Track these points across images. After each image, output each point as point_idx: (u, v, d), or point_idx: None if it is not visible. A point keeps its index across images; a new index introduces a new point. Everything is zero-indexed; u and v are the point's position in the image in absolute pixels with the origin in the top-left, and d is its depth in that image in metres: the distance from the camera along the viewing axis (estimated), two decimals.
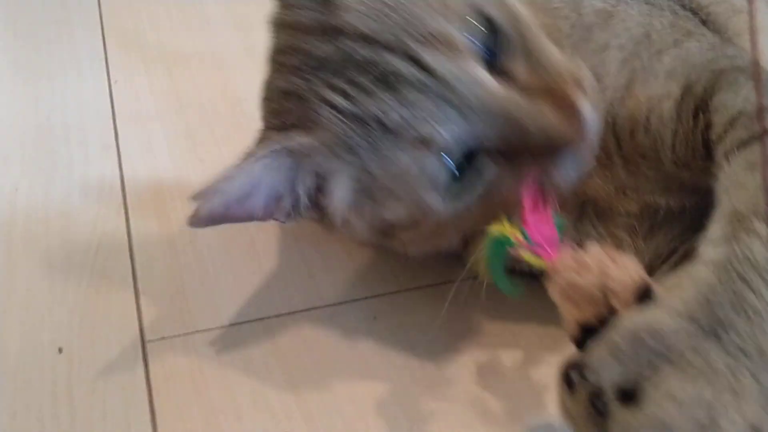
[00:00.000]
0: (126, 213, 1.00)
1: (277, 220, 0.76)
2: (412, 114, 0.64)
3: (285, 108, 0.72)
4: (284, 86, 0.71)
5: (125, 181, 1.05)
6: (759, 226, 0.61)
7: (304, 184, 0.72)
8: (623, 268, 0.63)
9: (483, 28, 0.68)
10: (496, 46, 0.69)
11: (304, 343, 0.83)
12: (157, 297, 0.88)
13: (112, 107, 1.20)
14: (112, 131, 1.14)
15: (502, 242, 0.69)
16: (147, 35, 1.39)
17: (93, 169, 1.08)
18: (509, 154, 0.68)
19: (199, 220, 0.70)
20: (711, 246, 0.63)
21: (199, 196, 0.69)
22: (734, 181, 0.66)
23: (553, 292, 0.64)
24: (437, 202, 0.70)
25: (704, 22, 0.89)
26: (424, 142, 0.65)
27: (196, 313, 0.86)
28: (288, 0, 0.73)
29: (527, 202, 0.68)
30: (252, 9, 1.23)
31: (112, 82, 1.25)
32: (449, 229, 0.75)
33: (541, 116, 0.66)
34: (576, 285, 0.62)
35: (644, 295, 0.61)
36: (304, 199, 0.73)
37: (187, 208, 0.70)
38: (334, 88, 0.67)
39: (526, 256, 0.68)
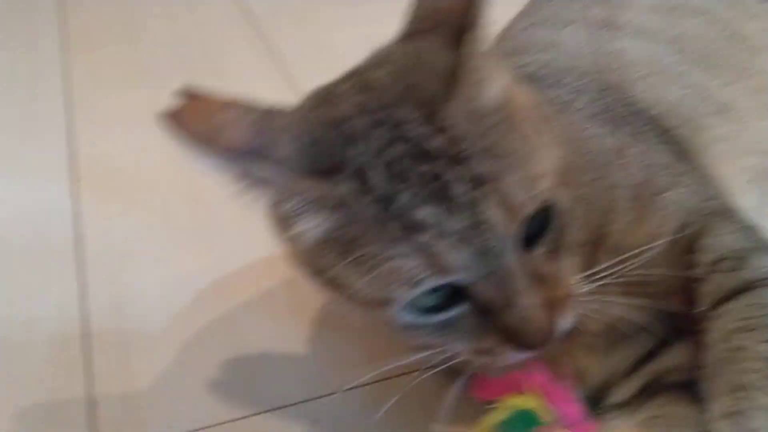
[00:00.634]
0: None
1: None
2: (439, 226, 0.63)
3: (324, 134, 0.67)
4: (343, 117, 0.67)
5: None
6: (764, 400, 0.69)
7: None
8: None
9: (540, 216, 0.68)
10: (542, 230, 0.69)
11: None
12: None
13: None
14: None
15: (530, 418, 0.72)
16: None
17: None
18: (483, 315, 0.69)
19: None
20: (723, 422, 0.70)
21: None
22: (732, 346, 0.73)
23: None
24: (401, 307, 0.69)
25: (674, 143, 0.97)
26: (434, 262, 0.64)
27: (150, 422, 0.92)
28: (415, 52, 0.69)
29: (544, 378, 0.72)
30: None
31: None
32: (383, 327, 0.76)
33: (531, 300, 0.67)
34: None
35: None
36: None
37: None
38: (387, 161, 0.64)
39: None
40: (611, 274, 0.82)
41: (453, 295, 0.69)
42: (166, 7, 1.92)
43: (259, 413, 0.93)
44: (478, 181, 0.63)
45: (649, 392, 0.85)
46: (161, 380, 0.98)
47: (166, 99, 0.68)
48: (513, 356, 0.71)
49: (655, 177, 0.86)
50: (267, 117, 0.69)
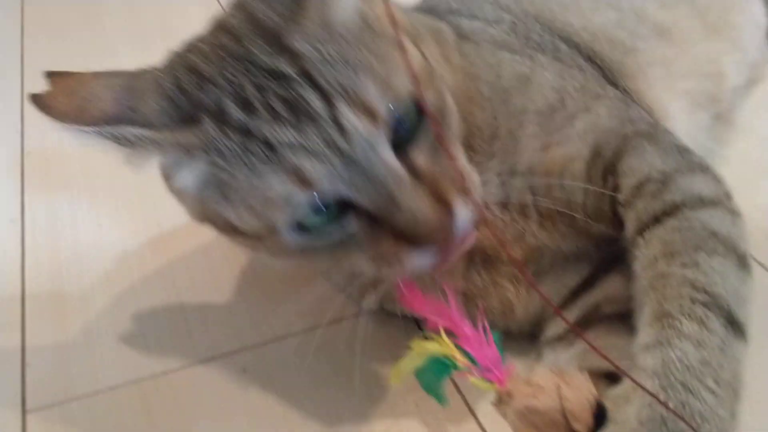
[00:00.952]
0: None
1: None
2: (299, 142, 0.65)
3: (183, 83, 0.68)
4: (199, 64, 0.69)
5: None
6: (688, 326, 0.66)
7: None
8: (577, 389, 0.67)
9: (411, 113, 0.69)
10: (413, 131, 0.69)
11: (176, 404, 0.87)
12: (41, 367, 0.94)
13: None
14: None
15: (446, 364, 0.70)
16: None
17: None
18: (375, 224, 0.69)
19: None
20: (648, 353, 0.67)
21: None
22: (656, 273, 0.70)
23: (511, 416, 0.67)
24: (286, 230, 0.69)
25: (601, 68, 0.95)
26: (300, 178, 0.66)
27: (77, 379, 0.91)
28: None
29: (457, 319, 0.70)
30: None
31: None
32: (289, 260, 0.76)
33: (415, 199, 0.66)
34: (536, 409, 0.66)
35: (600, 414, 0.66)
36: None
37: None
38: (240, 94, 0.66)
39: (475, 381, 0.70)
40: (527, 196, 0.80)
41: (341, 210, 0.68)
42: None
43: (192, 365, 0.92)
44: (329, 93, 0.64)
45: (583, 323, 0.82)
46: (92, 335, 0.97)
47: None
48: (421, 258, 0.69)
49: (567, 101, 0.83)
50: (133, 79, 0.70)
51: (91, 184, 1.24)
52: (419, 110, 0.68)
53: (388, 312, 0.92)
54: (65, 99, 0.68)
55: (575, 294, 0.85)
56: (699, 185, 0.77)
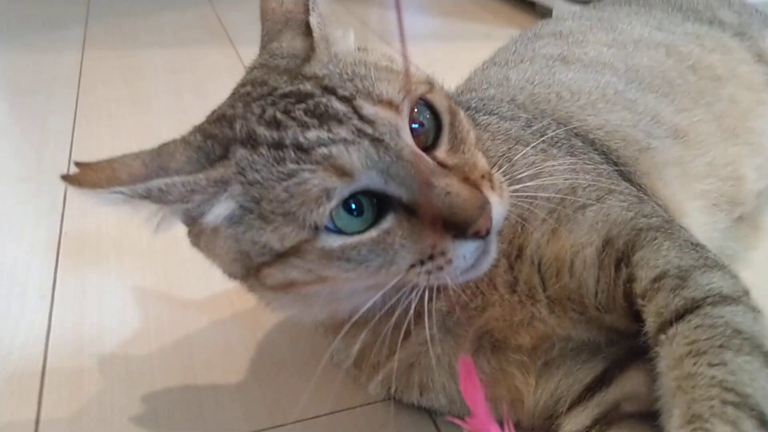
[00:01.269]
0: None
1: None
2: (329, 137, 0.69)
3: (210, 131, 0.75)
4: (226, 112, 0.75)
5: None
6: (721, 429, 0.64)
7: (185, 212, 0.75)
8: None
9: (427, 115, 0.75)
10: (435, 137, 0.75)
11: None
12: None
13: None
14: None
15: None
16: None
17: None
18: (414, 217, 0.71)
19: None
20: None
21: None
22: (683, 373, 0.69)
23: None
24: (326, 230, 0.70)
25: (616, 164, 0.97)
26: (335, 167, 0.69)
27: None
28: (274, 50, 0.80)
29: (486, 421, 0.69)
30: None
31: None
32: (332, 272, 0.74)
33: (448, 185, 0.70)
34: None
35: None
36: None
37: None
38: (268, 119, 0.71)
39: None
40: (535, 279, 0.81)
41: (379, 212, 0.72)
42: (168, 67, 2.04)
43: None
44: (349, 96, 0.71)
45: (604, 423, 0.80)
46: (106, 411, 0.98)
47: None
48: (464, 248, 0.71)
49: (579, 192, 0.84)
50: (159, 150, 0.75)
51: (121, 263, 1.28)
52: (435, 117, 0.75)
53: (403, 402, 0.92)
54: (96, 173, 0.72)
55: (590, 390, 0.83)
56: (718, 282, 0.76)
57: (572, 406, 0.83)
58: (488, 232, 0.72)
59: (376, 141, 0.70)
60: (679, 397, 0.68)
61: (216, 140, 0.74)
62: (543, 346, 0.84)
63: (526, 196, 0.82)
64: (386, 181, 0.70)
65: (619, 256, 0.80)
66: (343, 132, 0.70)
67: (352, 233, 0.71)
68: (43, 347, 1.09)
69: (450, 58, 2.11)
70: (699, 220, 1.01)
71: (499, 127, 0.91)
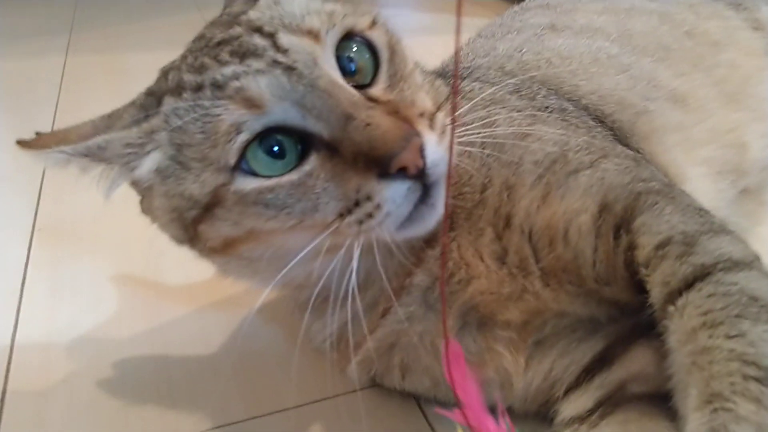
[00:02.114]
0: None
1: None
2: (243, 70, 0.66)
3: (152, 88, 0.74)
4: (167, 69, 0.74)
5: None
6: (745, 407, 0.57)
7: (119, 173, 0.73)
8: None
9: (365, 54, 0.71)
10: (372, 77, 0.71)
11: None
12: None
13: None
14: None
15: None
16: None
17: None
18: (336, 155, 0.65)
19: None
20: None
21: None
22: (697, 347, 0.62)
23: None
24: (241, 173, 0.66)
25: (611, 129, 0.91)
26: (247, 100, 0.65)
27: None
28: (224, 11, 0.78)
29: (480, 413, 0.63)
30: None
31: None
32: (254, 220, 0.69)
33: (370, 116, 0.64)
34: None
35: None
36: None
37: None
38: (196, 65, 0.69)
39: None
40: (526, 249, 0.75)
41: (302, 153, 0.67)
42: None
43: None
44: (271, 31, 0.68)
45: (609, 405, 0.73)
46: (74, 405, 0.91)
47: None
48: (392, 190, 0.64)
49: (570, 155, 0.77)
50: (111, 113, 0.75)
51: (96, 258, 1.22)
52: (374, 55, 0.71)
53: (388, 388, 0.86)
54: (48, 138, 0.72)
55: (589, 372, 0.76)
56: (727, 246, 0.69)
57: (569, 390, 0.77)
58: (420, 172, 0.63)
59: (288, 69, 0.65)
60: (695, 374, 0.61)
61: (154, 96, 0.72)
62: (534, 322, 0.77)
63: (510, 162, 0.76)
64: (303, 115, 0.65)
65: (617, 222, 0.73)
66: (257, 64, 0.66)
67: (270, 177, 0.66)
68: (8, 345, 1.03)
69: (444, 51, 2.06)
70: (703, 188, 0.94)
71: (482, 91, 0.84)
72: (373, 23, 0.72)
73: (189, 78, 0.69)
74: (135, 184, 0.74)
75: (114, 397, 0.93)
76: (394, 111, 0.65)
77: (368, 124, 0.63)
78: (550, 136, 0.79)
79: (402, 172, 0.63)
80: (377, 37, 0.71)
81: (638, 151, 0.90)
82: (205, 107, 0.66)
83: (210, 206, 0.68)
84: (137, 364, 0.98)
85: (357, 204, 0.65)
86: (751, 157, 1.05)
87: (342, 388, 0.88)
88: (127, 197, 0.76)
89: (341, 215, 0.65)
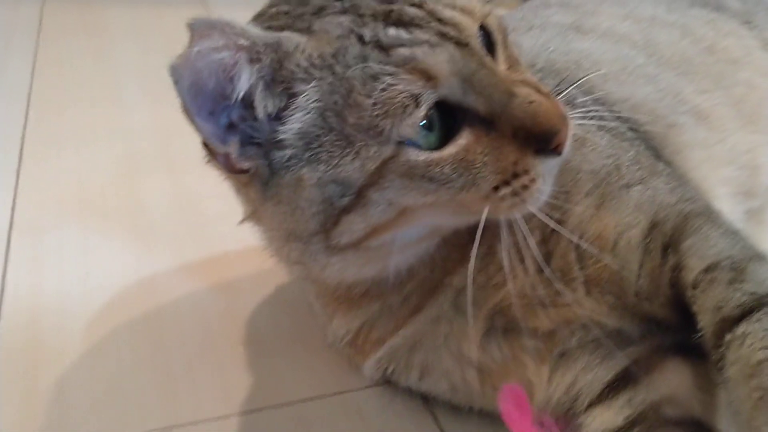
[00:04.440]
0: None
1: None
2: (410, 39, 0.63)
3: (281, 11, 0.67)
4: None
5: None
6: None
7: (272, 95, 0.65)
8: None
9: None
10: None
11: None
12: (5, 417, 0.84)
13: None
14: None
15: None
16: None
17: None
18: (492, 131, 0.64)
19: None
20: None
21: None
22: (762, 383, 0.62)
23: None
24: (404, 145, 0.63)
25: (644, 139, 0.90)
26: (418, 70, 0.62)
27: None
28: None
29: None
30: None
31: None
32: (414, 193, 0.65)
33: (529, 94, 0.64)
34: None
35: None
36: (260, 113, 0.65)
37: None
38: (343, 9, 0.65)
39: None
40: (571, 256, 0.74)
41: (447, 127, 0.64)
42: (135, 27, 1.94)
43: (174, 427, 0.82)
44: (420, 3, 0.65)
45: (644, 427, 0.72)
46: (66, 388, 0.87)
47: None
48: (543, 176, 0.65)
49: (623, 170, 0.77)
50: None
51: (83, 229, 1.16)
52: (487, 36, 0.69)
53: (397, 386, 0.84)
54: None
55: (613, 389, 0.76)
56: None
57: (592, 404, 0.76)
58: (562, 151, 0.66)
59: (460, 44, 0.64)
60: (763, 410, 0.61)
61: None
62: (561, 333, 0.76)
63: (570, 167, 0.75)
64: (465, 90, 0.64)
65: (666, 241, 0.73)
66: (424, 35, 0.63)
67: (431, 150, 0.64)
68: None
69: None
70: (724, 208, 0.94)
71: None
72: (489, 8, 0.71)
73: (347, 22, 0.64)
74: (255, 174, 0.67)
75: (108, 378, 0.89)
76: (538, 90, 0.66)
77: (531, 102, 0.64)
78: (602, 145, 0.79)
79: (554, 150, 0.65)
80: (491, 20, 0.70)
81: (670, 163, 0.89)
82: (372, 69, 0.62)
83: (363, 189, 0.64)
84: (132, 345, 0.94)
85: (515, 176, 0.65)
86: (762, 180, 1.06)
87: (349, 385, 0.86)
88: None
89: (496, 188, 0.65)
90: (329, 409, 0.84)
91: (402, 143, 0.63)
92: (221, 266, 1.06)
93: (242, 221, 0.74)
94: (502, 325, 0.76)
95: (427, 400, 0.84)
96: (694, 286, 0.69)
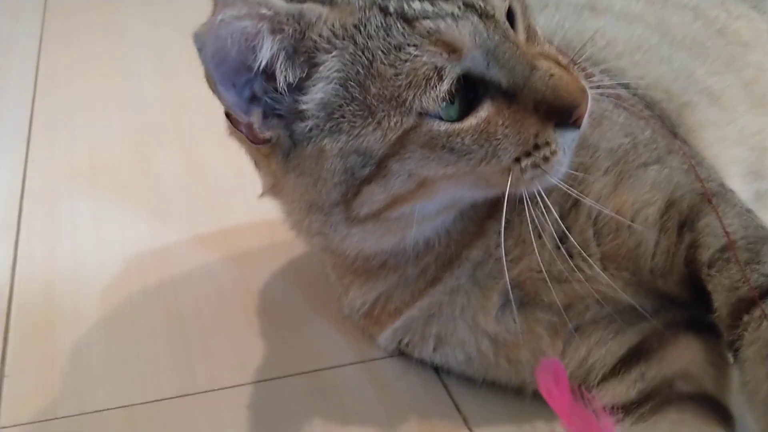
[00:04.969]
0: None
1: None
2: (435, 11, 0.63)
3: None
4: None
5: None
6: None
7: (293, 66, 0.65)
8: None
9: None
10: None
11: None
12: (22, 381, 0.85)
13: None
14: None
15: None
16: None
17: None
18: (513, 103, 0.65)
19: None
20: None
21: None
22: None
23: None
24: (427, 116, 0.63)
25: (660, 118, 0.90)
26: (442, 42, 0.62)
27: (59, 400, 0.82)
28: None
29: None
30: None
31: None
32: (436, 164, 0.66)
33: (550, 67, 0.65)
34: None
35: None
36: (281, 83, 0.65)
37: None
38: None
39: None
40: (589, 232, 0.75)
41: (468, 100, 0.65)
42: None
43: (189, 395, 0.83)
44: None
45: (659, 401, 0.73)
46: (82, 354, 0.89)
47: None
48: (563, 148, 0.66)
49: (641, 149, 0.78)
50: None
51: (95, 198, 1.17)
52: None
53: (411, 357, 0.85)
54: None
55: (625, 364, 0.77)
56: None
57: (605, 378, 0.77)
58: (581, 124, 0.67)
59: (485, 17, 0.64)
60: None
61: None
62: (576, 307, 0.77)
63: (589, 144, 0.76)
64: (488, 63, 0.64)
65: (682, 219, 0.75)
66: (448, 6, 0.63)
67: (452, 121, 0.64)
68: (8, 282, 0.99)
69: None
70: (736, 188, 0.96)
71: None
72: None
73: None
74: (276, 144, 0.67)
75: (123, 345, 0.90)
76: (558, 63, 0.66)
77: (552, 75, 0.65)
78: (620, 123, 0.80)
79: (574, 123, 0.66)
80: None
81: (685, 142, 0.90)
82: (396, 39, 0.62)
83: (384, 159, 0.65)
84: (148, 313, 0.95)
85: (536, 147, 0.66)
86: None
87: (362, 356, 0.87)
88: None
89: (517, 159, 0.66)
90: (342, 379, 0.85)
91: (424, 114, 0.63)
92: (234, 238, 1.07)
93: (262, 195, 0.75)
94: (518, 299, 0.77)
95: (439, 372, 0.85)
96: (710, 266, 0.70)
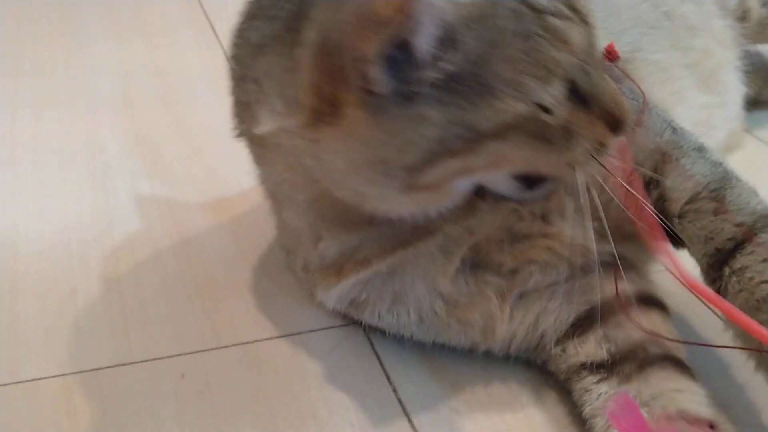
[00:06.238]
0: None
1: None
2: (558, 10, 0.64)
3: None
4: None
5: None
6: None
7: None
8: None
9: None
10: None
11: (102, 405, 0.78)
12: None
13: None
14: None
15: None
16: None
17: None
18: (586, 108, 0.68)
19: None
20: None
21: None
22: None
23: None
24: (544, 101, 0.64)
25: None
26: (562, 41, 0.64)
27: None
28: None
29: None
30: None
31: None
32: (487, 172, 0.69)
33: (617, 90, 0.70)
34: None
35: None
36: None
37: None
38: None
39: None
40: None
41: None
42: None
43: (124, 364, 0.83)
44: None
45: (641, 361, 0.76)
46: (17, 321, 0.88)
47: None
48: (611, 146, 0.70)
49: None
50: None
51: (36, 165, 1.16)
52: None
53: (354, 321, 0.87)
54: None
55: (579, 327, 0.79)
56: (753, 201, 0.75)
57: (560, 341, 0.80)
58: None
59: (585, 24, 0.66)
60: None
61: None
62: (522, 272, 0.79)
63: None
64: (581, 72, 0.67)
65: (646, 180, 0.78)
66: (563, 8, 0.65)
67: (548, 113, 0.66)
68: None
69: None
70: None
71: None
72: None
73: None
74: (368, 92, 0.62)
75: (60, 313, 0.89)
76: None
77: (616, 96, 0.69)
78: None
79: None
80: None
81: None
82: (526, 27, 0.63)
83: (484, 138, 0.64)
84: (85, 280, 0.94)
85: (601, 145, 0.69)
86: (714, 139, 1.09)
87: (298, 327, 0.88)
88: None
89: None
90: (278, 350, 0.85)
91: (537, 104, 0.64)
92: (176, 209, 1.08)
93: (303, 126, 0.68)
94: (470, 260, 0.79)
95: (373, 344, 0.86)
96: (680, 216, 0.75)
